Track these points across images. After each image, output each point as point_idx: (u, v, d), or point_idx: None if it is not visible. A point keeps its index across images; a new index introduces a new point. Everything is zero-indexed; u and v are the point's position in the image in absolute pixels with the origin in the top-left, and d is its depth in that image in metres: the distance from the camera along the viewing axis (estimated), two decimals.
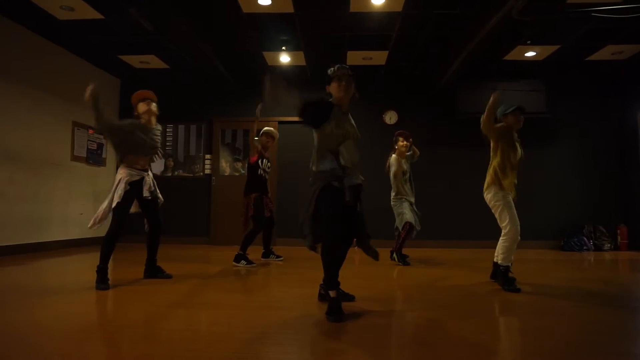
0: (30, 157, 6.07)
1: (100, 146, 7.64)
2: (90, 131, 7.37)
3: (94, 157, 7.48)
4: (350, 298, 3.16)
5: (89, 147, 7.35)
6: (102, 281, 3.61)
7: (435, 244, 7.43)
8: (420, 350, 2.14)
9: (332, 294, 2.78)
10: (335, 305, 2.72)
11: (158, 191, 4.08)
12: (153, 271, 4.12)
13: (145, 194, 3.86)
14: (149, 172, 4.01)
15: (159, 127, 4.10)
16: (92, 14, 5.50)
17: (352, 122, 3.00)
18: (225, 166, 8.39)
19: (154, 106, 3.98)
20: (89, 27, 5.94)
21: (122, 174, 3.79)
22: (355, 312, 2.85)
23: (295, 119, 3.07)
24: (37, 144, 6.19)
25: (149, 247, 4.13)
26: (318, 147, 2.92)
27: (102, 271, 3.65)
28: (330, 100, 2.96)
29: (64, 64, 6.77)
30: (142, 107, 3.97)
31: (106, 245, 3.70)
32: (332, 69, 2.97)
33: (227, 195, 7.83)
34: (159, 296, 3.37)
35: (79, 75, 7.13)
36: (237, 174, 8.31)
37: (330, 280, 2.81)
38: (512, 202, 3.78)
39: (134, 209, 3.94)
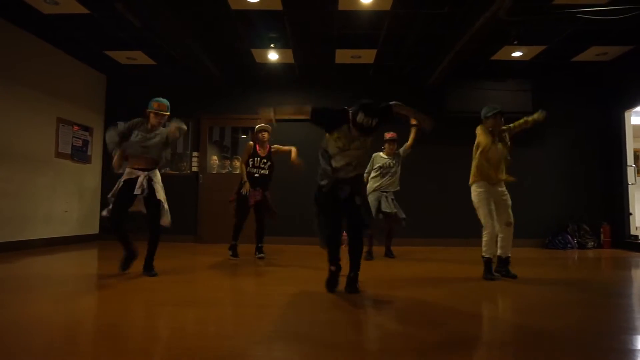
0: (12, 154, 5.95)
1: (85, 143, 7.53)
2: (75, 127, 7.27)
3: (79, 154, 7.37)
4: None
5: (74, 144, 7.24)
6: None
7: (424, 242, 7.47)
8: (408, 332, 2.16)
9: (331, 267, 3.42)
10: (329, 278, 3.40)
11: (159, 193, 4.07)
12: (145, 268, 4.14)
13: (136, 191, 3.94)
14: (150, 173, 4.08)
15: (158, 130, 4.17)
16: (78, 8, 5.40)
17: (365, 143, 3.31)
18: (216, 164, 8.32)
19: (157, 117, 4.15)
20: (74, 21, 5.83)
21: (125, 173, 4.05)
22: (345, 308, 2.85)
23: (290, 117, 3.39)
24: (20, 140, 6.07)
25: (147, 245, 4.18)
26: (323, 146, 3.37)
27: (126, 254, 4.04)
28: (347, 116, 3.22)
29: (48, 59, 6.65)
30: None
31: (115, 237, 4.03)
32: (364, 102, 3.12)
33: (214, 193, 7.77)
34: (147, 294, 3.34)
35: (64, 71, 7.03)
36: (224, 171, 8.27)
37: (328, 257, 3.42)
38: (488, 198, 4.04)
39: (136, 207, 4.09)
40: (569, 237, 7.28)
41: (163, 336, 2.34)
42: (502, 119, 4.12)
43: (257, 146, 5.43)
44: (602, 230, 7.35)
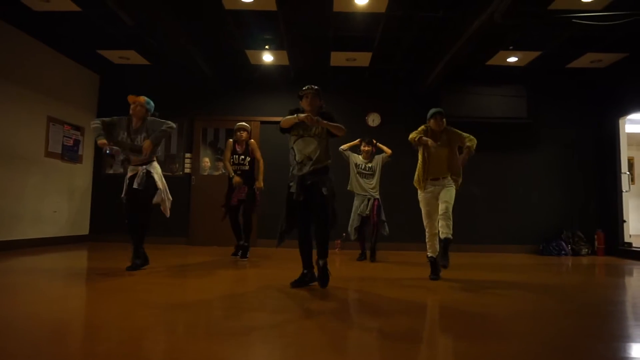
0: (0, 152, 5.85)
1: (76, 142, 7.44)
2: (66, 127, 7.18)
3: (70, 154, 7.28)
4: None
5: (65, 143, 7.15)
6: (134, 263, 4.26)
7: (417, 247, 7.37)
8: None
9: (304, 271, 3.74)
10: (298, 278, 3.71)
11: (158, 183, 4.28)
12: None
13: (135, 185, 4.17)
14: (146, 166, 4.27)
15: (142, 130, 4.32)
16: (68, 5, 5.33)
17: (316, 130, 3.65)
18: (207, 166, 8.24)
19: (131, 108, 4.34)
20: (65, 19, 5.77)
21: (128, 170, 4.35)
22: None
23: (277, 119, 3.52)
24: (8, 138, 5.97)
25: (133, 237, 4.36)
26: (290, 145, 3.74)
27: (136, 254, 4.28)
28: (297, 108, 3.76)
29: (39, 57, 6.56)
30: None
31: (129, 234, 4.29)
32: (302, 88, 3.77)
33: (206, 194, 7.69)
34: (136, 295, 3.27)
35: (55, 70, 6.94)
36: (217, 173, 8.19)
37: (302, 262, 3.75)
38: (427, 200, 4.32)
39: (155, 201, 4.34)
40: (563, 244, 7.24)
41: (152, 339, 2.26)
42: (443, 120, 4.35)
43: (236, 144, 5.62)
44: (596, 237, 7.32)
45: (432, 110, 4.43)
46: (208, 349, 2.05)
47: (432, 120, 4.37)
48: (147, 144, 4.15)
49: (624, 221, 7.20)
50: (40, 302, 3.00)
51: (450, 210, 4.14)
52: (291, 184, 3.67)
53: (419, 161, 4.40)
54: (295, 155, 3.67)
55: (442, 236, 4.18)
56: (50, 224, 6.84)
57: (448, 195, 4.18)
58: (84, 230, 7.72)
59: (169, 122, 4.33)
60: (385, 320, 2.75)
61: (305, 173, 3.59)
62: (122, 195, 4.24)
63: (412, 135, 4.37)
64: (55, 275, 4.18)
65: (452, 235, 4.13)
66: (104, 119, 4.35)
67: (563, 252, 7.17)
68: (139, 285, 3.67)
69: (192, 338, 2.24)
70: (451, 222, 4.14)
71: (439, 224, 4.18)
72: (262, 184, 5.60)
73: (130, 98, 4.34)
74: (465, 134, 4.32)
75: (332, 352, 2.09)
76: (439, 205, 4.23)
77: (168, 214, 4.41)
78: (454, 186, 4.26)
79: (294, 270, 3.90)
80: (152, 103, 4.42)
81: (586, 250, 7.27)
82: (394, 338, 2.35)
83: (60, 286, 3.57)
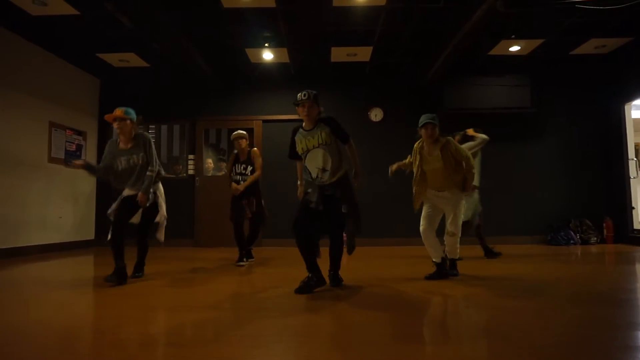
0: (4, 159, 5.83)
1: (79, 147, 7.43)
2: (69, 132, 7.16)
3: (73, 159, 7.24)
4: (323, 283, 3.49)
5: (67, 149, 7.13)
6: (111, 276, 3.71)
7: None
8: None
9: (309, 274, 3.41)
10: (303, 283, 3.34)
11: (162, 208, 4.11)
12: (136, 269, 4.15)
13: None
14: (153, 186, 4.01)
15: (133, 144, 3.94)
16: (67, 9, 5.30)
17: (319, 133, 3.45)
18: (210, 167, 8.23)
19: (116, 127, 3.89)
20: (64, 23, 5.73)
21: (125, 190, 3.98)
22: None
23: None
24: (11, 145, 5.96)
25: (138, 250, 4.21)
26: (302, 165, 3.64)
27: (115, 268, 3.75)
28: (298, 125, 3.61)
29: (39, 62, 6.54)
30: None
31: (110, 247, 3.81)
32: (298, 95, 3.49)
33: (211, 195, 7.67)
34: (144, 299, 3.24)
35: (56, 75, 6.92)
36: (220, 173, 8.17)
37: (305, 265, 3.45)
38: (428, 209, 3.97)
39: (135, 219, 4.05)
40: (572, 233, 7.18)
41: (161, 342, 2.23)
42: (435, 130, 3.80)
43: (239, 154, 5.34)
44: (604, 225, 7.25)
45: (422, 118, 3.85)
46: (218, 352, 2.02)
47: (422, 130, 3.84)
48: (141, 196, 3.84)
49: (633, 208, 7.13)
50: (47, 308, 2.98)
51: (459, 233, 3.94)
52: (309, 190, 3.50)
53: (413, 179, 4.01)
54: (310, 173, 3.50)
55: (449, 256, 4.03)
56: (55, 229, 6.83)
57: (456, 223, 3.89)
58: (90, 235, 7.71)
59: (155, 164, 3.97)
60: (397, 315, 2.71)
61: (326, 184, 3.44)
62: (109, 213, 3.90)
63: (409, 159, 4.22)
64: (62, 281, 4.16)
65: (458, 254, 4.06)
66: (100, 165, 4.04)
67: (572, 241, 7.11)
68: (146, 289, 3.64)
69: (202, 341, 2.21)
70: (458, 244, 3.98)
71: (446, 243, 4.00)
72: (242, 188, 5.16)
73: (108, 117, 3.90)
74: (463, 153, 3.85)
75: (344, 351, 2.05)
76: (437, 220, 3.98)
77: (162, 239, 4.16)
78: (459, 200, 3.91)
79: (300, 269, 3.85)
80: (130, 110, 3.93)
81: (595, 238, 7.21)
82: (406, 333, 2.31)
83: (67, 292, 3.54)
